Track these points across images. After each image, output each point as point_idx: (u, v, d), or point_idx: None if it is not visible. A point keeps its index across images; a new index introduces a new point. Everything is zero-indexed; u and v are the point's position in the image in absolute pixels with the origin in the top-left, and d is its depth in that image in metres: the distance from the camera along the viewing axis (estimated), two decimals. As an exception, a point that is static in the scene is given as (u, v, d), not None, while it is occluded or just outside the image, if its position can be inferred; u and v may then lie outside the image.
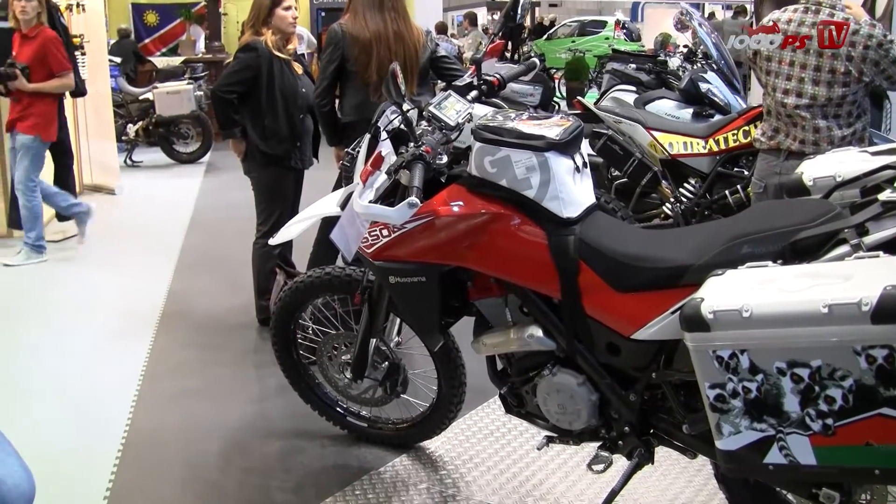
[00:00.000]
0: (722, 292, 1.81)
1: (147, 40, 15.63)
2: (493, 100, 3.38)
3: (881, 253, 1.78)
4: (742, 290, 1.78)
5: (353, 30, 3.95)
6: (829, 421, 1.69)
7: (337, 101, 4.18)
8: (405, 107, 2.54)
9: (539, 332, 2.44)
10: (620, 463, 2.52)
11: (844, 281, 1.67)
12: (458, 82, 3.15)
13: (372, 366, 3.05)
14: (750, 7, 14.73)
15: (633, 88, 6.28)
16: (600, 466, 2.47)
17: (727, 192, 4.78)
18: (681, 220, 4.92)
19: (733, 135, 4.79)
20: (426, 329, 2.74)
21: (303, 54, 5.24)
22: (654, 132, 5.02)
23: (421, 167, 2.33)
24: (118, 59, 11.12)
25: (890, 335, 1.58)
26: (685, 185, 4.99)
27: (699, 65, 6.50)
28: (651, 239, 2.40)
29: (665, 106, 5.53)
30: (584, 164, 2.44)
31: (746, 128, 4.72)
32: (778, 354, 1.71)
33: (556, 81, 14.80)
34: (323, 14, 16.14)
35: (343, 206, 2.85)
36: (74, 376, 4.03)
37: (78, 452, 3.30)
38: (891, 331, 1.57)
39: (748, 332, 1.72)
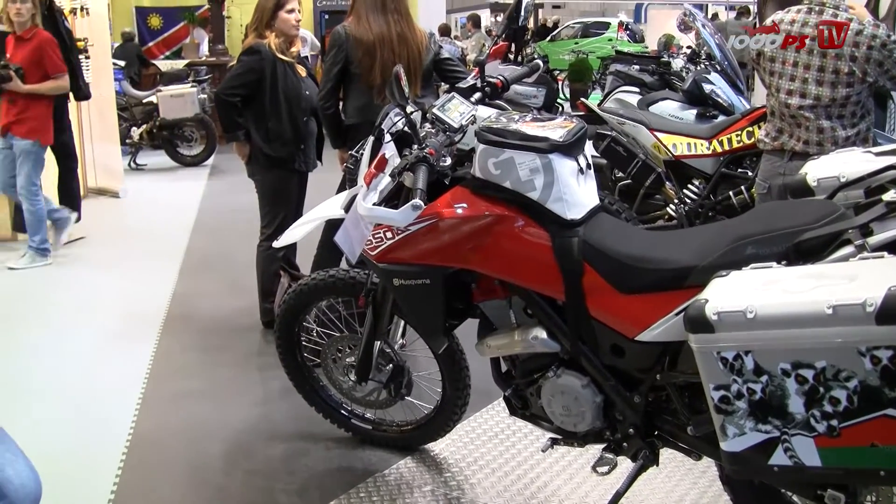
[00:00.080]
0: (726, 293, 1.81)
1: (151, 43, 15.68)
2: (497, 101, 3.39)
3: (885, 253, 1.78)
4: (746, 292, 1.78)
5: (356, 32, 3.95)
6: (834, 422, 1.69)
7: (340, 103, 4.18)
8: (409, 109, 2.55)
9: (543, 334, 2.44)
10: (625, 465, 2.52)
11: (849, 282, 1.67)
12: (462, 84, 3.16)
13: (376, 368, 3.05)
14: (753, 8, 14.73)
15: (637, 90, 6.27)
16: (605, 468, 2.47)
17: (731, 193, 4.78)
18: (685, 222, 4.92)
19: (737, 136, 4.79)
20: (430, 331, 2.74)
21: (306, 57, 5.25)
22: (657, 133, 5.02)
23: (424, 169, 2.33)
24: (122, 63, 11.16)
25: (895, 336, 1.58)
26: (689, 186, 4.99)
27: (703, 66, 6.50)
28: (655, 240, 2.39)
29: (669, 107, 5.52)
30: (588, 166, 2.45)
31: (750, 129, 4.72)
32: (782, 355, 1.70)
33: (560, 83, 14.80)
34: (326, 17, 16.17)
35: (347, 208, 2.85)
36: (79, 378, 4.04)
37: (82, 454, 3.31)
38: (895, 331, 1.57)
39: (752, 334, 1.72)
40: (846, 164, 2.37)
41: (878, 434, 1.65)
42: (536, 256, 2.33)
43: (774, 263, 1.91)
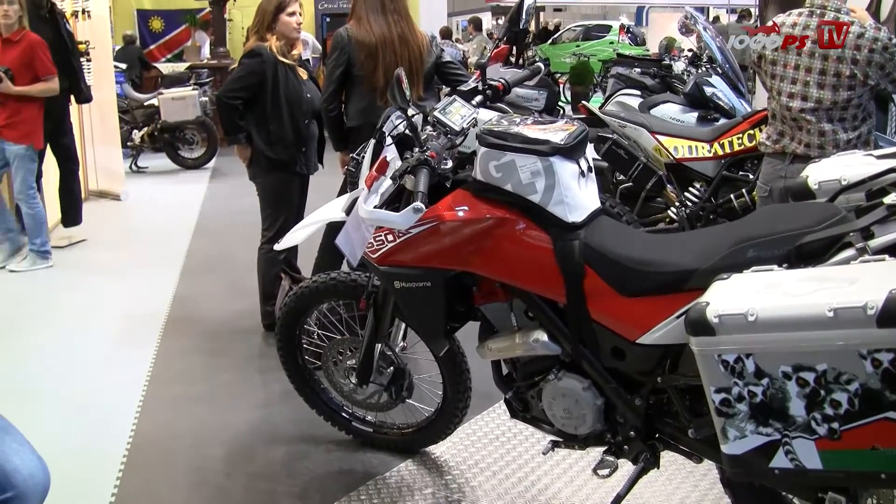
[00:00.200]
0: (727, 296, 1.81)
1: (152, 46, 15.71)
2: (498, 104, 3.39)
3: (887, 256, 1.78)
4: (747, 294, 1.78)
5: (358, 34, 3.96)
6: (835, 425, 1.69)
7: (342, 105, 4.18)
8: (410, 112, 2.55)
9: (544, 337, 2.44)
10: (626, 468, 2.52)
11: (850, 284, 1.67)
12: (463, 87, 3.16)
13: (377, 371, 3.05)
14: (755, 10, 14.74)
15: (638, 92, 6.28)
16: (606, 471, 2.47)
17: (732, 195, 4.78)
18: (686, 224, 4.92)
19: (738, 138, 4.79)
20: (431, 334, 2.74)
21: (307, 59, 5.25)
22: (658, 136, 5.02)
23: (426, 172, 2.33)
24: (123, 66, 11.15)
25: (895, 339, 1.58)
26: (690, 189, 4.99)
27: (704, 68, 6.52)
28: (656, 243, 2.39)
29: (670, 110, 5.52)
30: (589, 169, 2.45)
31: (751, 131, 4.72)
32: (783, 358, 1.70)
33: (561, 86, 14.82)
34: (328, 19, 16.17)
35: (348, 211, 2.85)
36: (80, 381, 4.04)
37: (83, 457, 3.30)
38: (896, 334, 1.57)
39: (753, 336, 1.72)
40: (847, 167, 2.37)
41: (879, 437, 1.65)
42: (538, 259, 2.33)
43: (775, 266, 1.91)
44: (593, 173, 2.48)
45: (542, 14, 27.37)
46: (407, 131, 2.56)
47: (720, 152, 4.85)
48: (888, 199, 1.94)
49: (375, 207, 2.46)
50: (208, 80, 10.93)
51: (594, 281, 2.27)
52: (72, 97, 6.56)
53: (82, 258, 6.24)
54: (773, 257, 1.97)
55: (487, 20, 23.58)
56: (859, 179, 2.23)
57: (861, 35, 3.46)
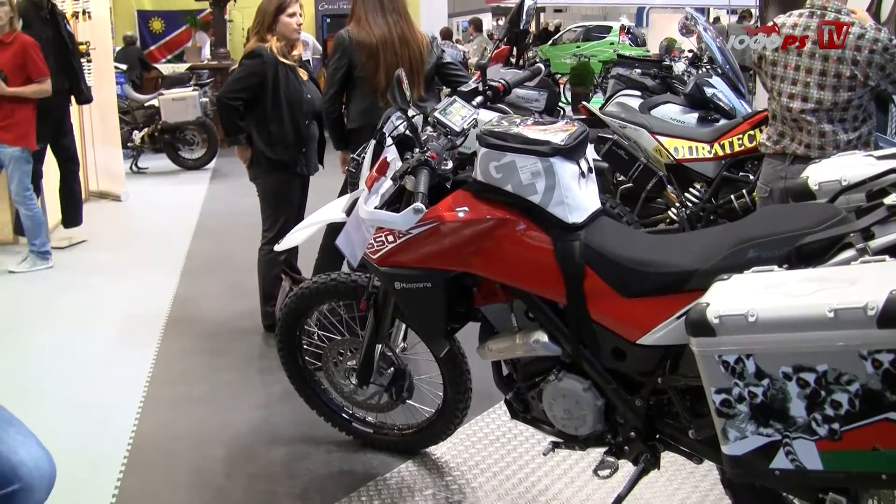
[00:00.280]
0: (727, 297, 1.81)
1: (153, 47, 15.72)
2: (499, 105, 3.38)
3: (887, 257, 1.78)
4: (748, 295, 1.78)
5: (358, 36, 3.96)
6: (836, 426, 1.68)
7: (343, 107, 4.18)
8: (410, 112, 2.55)
9: (545, 338, 2.44)
10: (626, 468, 2.52)
11: (850, 285, 1.67)
12: (464, 88, 3.16)
13: (377, 371, 3.05)
14: (755, 11, 14.74)
15: (639, 93, 6.27)
16: (606, 472, 2.47)
17: (732, 196, 4.77)
18: (686, 225, 4.92)
19: (738, 139, 4.79)
20: (432, 335, 2.74)
21: (308, 60, 5.25)
22: (659, 137, 5.02)
23: (426, 173, 2.33)
24: (124, 66, 11.15)
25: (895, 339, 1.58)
26: (690, 189, 4.99)
27: (704, 69, 6.51)
28: (656, 244, 2.39)
29: (670, 111, 5.52)
30: (590, 170, 2.45)
31: (752, 132, 4.71)
32: (784, 359, 1.70)
33: (562, 87, 14.82)
34: (328, 20, 16.18)
35: (348, 212, 2.85)
36: (80, 382, 4.04)
37: (84, 458, 3.30)
38: (897, 335, 1.57)
39: (754, 337, 1.71)
40: (848, 167, 2.37)
41: (880, 437, 1.65)
42: (538, 260, 2.33)
43: (776, 267, 1.90)
44: (593, 174, 2.48)
45: (542, 15, 27.37)
46: (407, 132, 2.56)
47: (720, 153, 4.85)
48: (888, 200, 1.94)
49: (376, 208, 2.46)
50: (209, 80, 10.94)
51: (594, 282, 2.26)
52: (72, 98, 6.56)
53: (83, 259, 6.24)
54: (773, 258, 1.97)
55: (488, 21, 23.60)
56: (860, 180, 2.23)
57: (861, 36, 3.46)
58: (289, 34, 4.30)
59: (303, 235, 3.25)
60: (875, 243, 1.87)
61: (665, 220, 5.21)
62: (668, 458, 2.48)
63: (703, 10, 23.34)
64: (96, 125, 8.36)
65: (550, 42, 22.23)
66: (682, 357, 2.17)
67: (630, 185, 5.26)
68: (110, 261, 6.18)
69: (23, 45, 5.60)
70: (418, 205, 2.21)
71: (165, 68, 13.39)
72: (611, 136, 5.15)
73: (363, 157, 2.97)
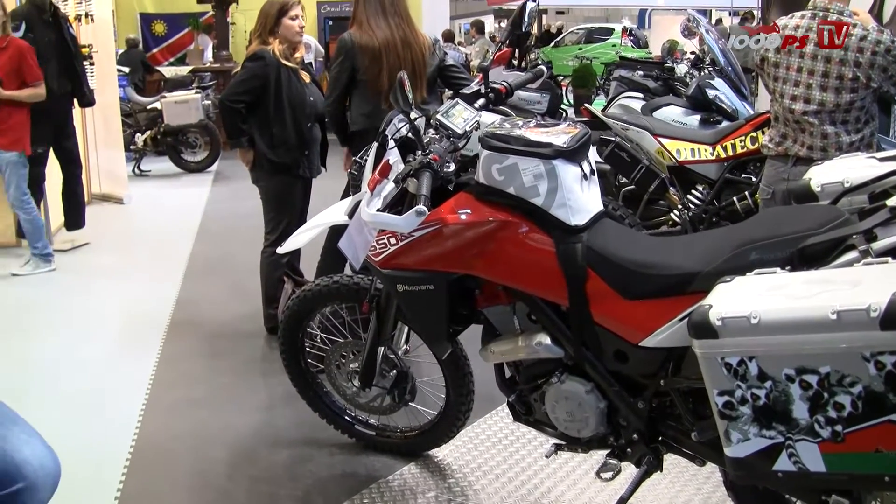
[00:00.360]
0: (730, 299, 1.81)
1: (155, 50, 15.72)
2: (501, 107, 3.39)
3: (890, 259, 1.78)
4: (750, 297, 1.78)
5: (361, 39, 3.96)
6: (839, 428, 1.68)
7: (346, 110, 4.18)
8: (413, 115, 2.55)
9: (547, 340, 2.44)
10: (629, 471, 2.52)
11: (853, 287, 1.67)
12: (466, 90, 3.16)
13: (380, 374, 3.05)
14: (757, 13, 14.72)
15: (641, 95, 6.28)
16: (609, 474, 2.46)
17: (735, 198, 4.77)
18: (688, 227, 4.91)
19: (741, 141, 4.79)
20: (434, 337, 2.73)
21: (310, 63, 5.25)
22: (661, 139, 5.02)
23: (428, 175, 2.33)
24: (126, 69, 11.18)
25: (899, 341, 1.57)
26: (693, 191, 4.99)
27: (706, 71, 6.51)
28: (659, 246, 2.40)
29: (672, 112, 5.52)
30: (592, 172, 2.44)
31: (754, 134, 4.71)
32: (786, 361, 1.70)
33: (564, 89, 14.78)
34: (330, 23, 16.17)
35: (351, 214, 2.85)
36: (84, 383, 4.04)
37: (87, 458, 3.30)
38: (900, 337, 1.57)
39: (757, 339, 1.71)
40: (850, 169, 2.37)
41: (883, 439, 1.65)
42: (540, 262, 2.33)
43: (778, 269, 1.90)
44: (596, 176, 2.48)
45: (544, 17, 27.34)
46: (409, 134, 2.56)
47: (723, 155, 4.84)
48: (891, 202, 1.94)
49: (378, 211, 2.46)
50: (211, 83, 10.94)
51: (597, 284, 2.26)
52: (75, 101, 6.56)
53: (85, 262, 6.25)
54: (776, 260, 1.97)
55: (490, 23, 23.60)
56: (862, 182, 2.23)
57: (864, 38, 3.46)
58: (291, 37, 4.30)
59: (305, 238, 3.25)
60: (878, 245, 1.87)
61: (667, 223, 5.21)
62: (670, 460, 2.48)
63: (706, 12, 23.26)
64: (99, 128, 8.37)
65: (553, 44, 22.22)
66: (684, 359, 2.17)
67: (632, 187, 5.26)
68: (113, 263, 6.19)
69: (18, 49, 5.59)
70: (421, 207, 2.21)
71: (168, 71, 13.41)
72: (613, 139, 5.15)
73: (366, 160, 2.97)
